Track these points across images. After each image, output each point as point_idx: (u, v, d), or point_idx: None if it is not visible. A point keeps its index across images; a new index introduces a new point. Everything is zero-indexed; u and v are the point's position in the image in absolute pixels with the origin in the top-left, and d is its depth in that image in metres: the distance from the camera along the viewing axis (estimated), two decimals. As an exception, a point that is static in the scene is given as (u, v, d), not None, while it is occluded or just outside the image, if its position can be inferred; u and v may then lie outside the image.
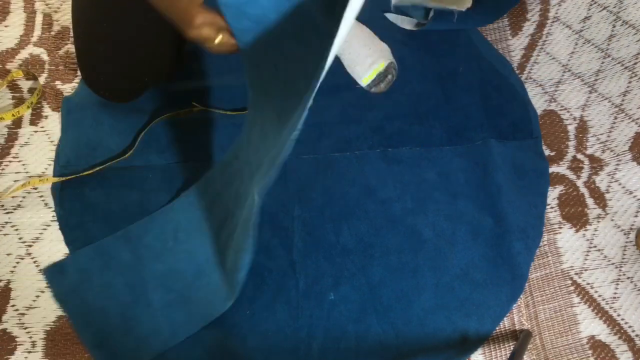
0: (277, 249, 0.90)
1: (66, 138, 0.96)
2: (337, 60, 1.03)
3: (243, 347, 0.85)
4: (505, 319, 0.90)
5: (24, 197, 0.93)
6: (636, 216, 0.93)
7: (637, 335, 0.88)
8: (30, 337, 0.86)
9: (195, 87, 1.00)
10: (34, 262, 0.90)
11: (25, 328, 0.87)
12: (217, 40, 0.72)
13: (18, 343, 0.86)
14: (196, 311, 0.84)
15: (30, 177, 0.94)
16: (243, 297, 0.87)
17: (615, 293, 0.90)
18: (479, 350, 0.88)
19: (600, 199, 0.95)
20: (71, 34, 1.05)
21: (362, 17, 1.01)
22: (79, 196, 0.92)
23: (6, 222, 0.92)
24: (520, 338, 0.87)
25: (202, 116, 0.97)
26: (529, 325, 0.90)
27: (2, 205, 0.93)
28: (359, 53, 0.99)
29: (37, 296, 0.88)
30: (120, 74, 0.90)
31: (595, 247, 0.93)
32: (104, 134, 0.96)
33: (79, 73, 1.02)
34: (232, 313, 0.86)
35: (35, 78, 1.00)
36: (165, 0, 0.72)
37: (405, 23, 1.03)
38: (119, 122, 0.96)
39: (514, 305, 0.90)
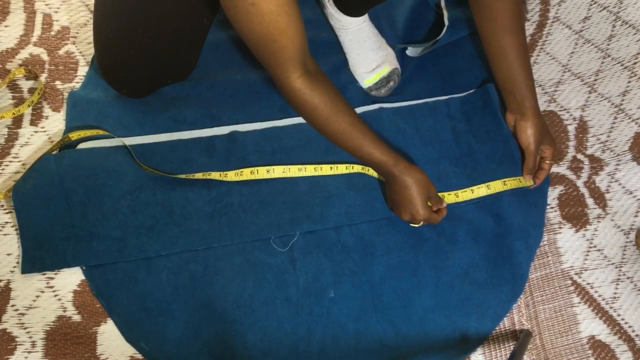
0: (277, 246, 0.90)
1: (71, 131, 0.96)
2: (340, 59, 1.03)
3: (242, 344, 0.85)
4: (505, 319, 0.90)
5: (24, 197, 0.93)
6: (636, 216, 0.93)
7: (637, 335, 0.88)
8: (30, 337, 0.86)
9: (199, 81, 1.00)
10: (34, 262, 0.90)
11: (25, 328, 0.87)
12: None
13: (18, 343, 0.86)
14: None
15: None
16: (243, 293, 0.87)
17: (615, 293, 0.90)
18: (479, 350, 0.88)
19: (600, 199, 0.95)
20: (72, 33, 1.05)
21: (370, 18, 1.02)
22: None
23: (6, 222, 0.92)
24: (520, 338, 0.87)
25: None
26: (529, 325, 0.90)
27: (2, 206, 0.93)
28: (366, 55, 0.99)
29: (37, 296, 0.88)
30: (142, 72, 0.90)
31: (595, 247, 0.93)
32: (109, 127, 0.96)
33: (79, 73, 1.03)
34: (232, 309, 0.86)
35: (36, 77, 1.00)
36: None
37: (413, 52, 1.04)
38: (124, 116, 0.96)
39: (514, 305, 0.90)
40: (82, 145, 0.93)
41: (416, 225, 0.86)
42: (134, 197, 0.90)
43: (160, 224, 0.89)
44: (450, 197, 0.91)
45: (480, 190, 0.91)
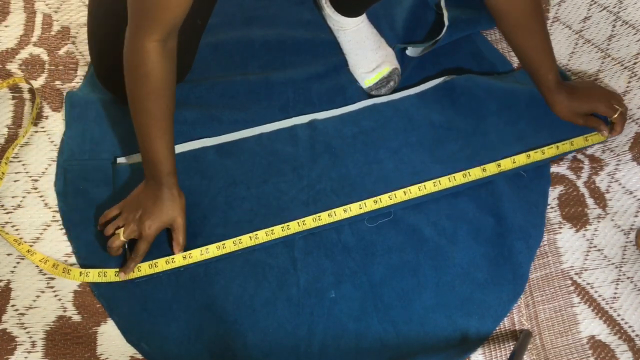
0: (278, 246, 0.90)
1: (70, 132, 0.96)
2: (340, 59, 1.03)
3: (243, 344, 0.85)
4: (505, 319, 0.90)
5: (24, 197, 0.93)
6: (636, 216, 0.93)
7: (637, 335, 0.88)
8: (30, 337, 0.86)
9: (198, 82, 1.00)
10: (34, 262, 0.90)
11: (25, 328, 0.87)
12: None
13: (18, 343, 0.86)
14: None
15: (30, 177, 0.95)
16: (244, 294, 0.87)
17: (615, 293, 0.90)
18: (479, 350, 0.88)
19: (600, 199, 0.95)
20: (72, 33, 1.05)
21: (369, 18, 1.02)
22: (82, 193, 0.92)
23: (6, 222, 0.92)
24: (520, 338, 0.87)
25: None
26: (529, 325, 0.90)
27: (2, 205, 0.93)
28: (366, 56, 0.99)
29: (37, 296, 0.88)
30: None
31: (595, 247, 0.93)
32: (109, 128, 0.96)
33: (79, 73, 1.03)
34: (233, 309, 0.86)
35: (32, 91, 1.00)
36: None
37: (413, 52, 1.04)
38: (123, 117, 0.96)
39: (514, 305, 0.91)
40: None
41: (122, 239, 0.82)
42: (229, 193, 0.91)
43: (259, 216, 0.90)
44: (536, 155, 0.93)
45: (564, 147, 0.94)
